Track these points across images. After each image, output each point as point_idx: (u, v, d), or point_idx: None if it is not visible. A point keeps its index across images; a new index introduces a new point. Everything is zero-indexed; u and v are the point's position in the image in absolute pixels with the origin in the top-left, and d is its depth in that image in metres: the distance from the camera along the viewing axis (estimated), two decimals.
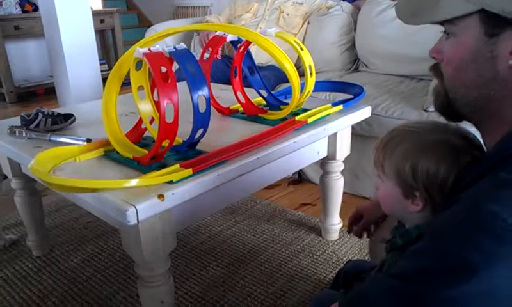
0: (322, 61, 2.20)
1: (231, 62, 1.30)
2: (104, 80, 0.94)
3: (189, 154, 0.94)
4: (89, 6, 2.76)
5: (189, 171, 0.85)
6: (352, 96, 1.34)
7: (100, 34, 4.31)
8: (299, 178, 2.01)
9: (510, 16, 0.52)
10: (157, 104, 0.90)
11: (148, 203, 0.77)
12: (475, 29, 0.55)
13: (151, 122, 0.97)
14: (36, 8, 3.73)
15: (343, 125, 1.27)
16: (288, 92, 1.44)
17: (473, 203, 0.51)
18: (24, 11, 3.80)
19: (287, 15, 2.30)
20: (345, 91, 1.45)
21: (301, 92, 1.15)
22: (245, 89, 1.27)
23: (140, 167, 0.89)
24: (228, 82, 1.54)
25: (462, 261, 0.47)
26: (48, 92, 3.89)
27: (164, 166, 0.88)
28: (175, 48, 0.88)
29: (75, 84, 2.74)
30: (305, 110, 1.22)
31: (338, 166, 1.41)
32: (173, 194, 0.81)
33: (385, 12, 2.06)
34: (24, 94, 3.89)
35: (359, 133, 1.66)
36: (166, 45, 0.89)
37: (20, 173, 1.29)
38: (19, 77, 3.93)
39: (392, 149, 0.69)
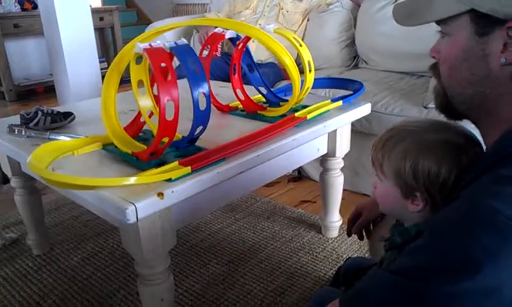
0: (321, 58, 2.19)
1: (230, 60, 1.30)
2: (104, 78, 0.94)
3: (189, 150, 0.94)
4: (88, 4, 2.75)
5: (188, 169, 0.84)
6: (352, 93, 1.34)
7: (100, 32, 4.30)
8: (299, 175, 2.01)
9: (499, 15, 0.53)
10: (156, 98, 0.90)
11: (147, 201, 0.77)
12: (467, 28, 0.57)
13: (150, 116, 0.97)
14: (35, 6, 3.72)
15: (343, 122, 1.27)
16: (288, 89, 1.44)
17: (473, 200, 0.51)
18: (23, 9, 3.79)
19: (287, 11, 2.30)
20: (345, 87, 1.44)
21: (300, 89, 1.15)
22: (244, 86, 1.26)
23: (139, 163, 0.89)
24: (227, 79, 1.54)
25: (465, 258, 0.47)
26: (48, 90, 3.89)
27: (163, 163, 0.88)
28: (175, 43, 0.88)
29: (75, 82, 2.74)
30: (305, 106, 1.22)
31: (338, 163, 1.40)
32: (172, 192, 0.81)
33: (385, 9, 2.06)
34: (24, 92, 3.88)
35: (359, 130, 1.66)
36: (166, 41, 0.89)
37: (19, 172, 1.29)
38: (19, 76, 3.93)
39: (391, 149, 0.69)
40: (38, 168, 0.82)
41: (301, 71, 1.14)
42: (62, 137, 1.08)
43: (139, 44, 0.85)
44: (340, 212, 1.49)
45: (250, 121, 1.19)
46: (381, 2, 2.09)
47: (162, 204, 0.80)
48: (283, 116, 1.16)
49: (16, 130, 1.13)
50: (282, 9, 2.30)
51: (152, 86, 0.93)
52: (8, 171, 1.31)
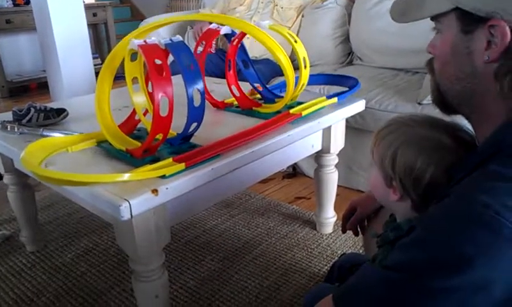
0: (316, 54, 2.19)
1: (225, 56, 1.29)
2: (97, 74, 0.94)
3: (183, 147, 0.94)
4: (81, 0, 2.73)
5: (182, 166, 0.84)
6: (347, 89, 1.34)
7: (93, 27, 4.27)
8: (294, 171, 2.01)
9: (481, 14, 0.54)
10: (151, 96, 0.89)
11: (141, 198, 0.77)
12: (454, 26, 0.58)
13: (145, 114, 0.97)
14: (27, 1, 3.68)
15: (337, 119, 1.27)
16: (283, 86, 1.44)
17: (463, 196, 0.52)
18: (15, 5, 3.76)
19: (281, 8, 2.29)
20: (340, 84, 1.44)
21: (295, 85, 1.15)
22: (239, 82, 1.26)
23: (133, 160, 0.88)
24: (222, 75, 1.54)
25: (456, 254, 0.47)
26: (41, 86, 3.86)
27: (157, 160, 0.87)
28: (170, 40, 0.87)
29: (68, 78, 2.72)
30: (300, 103, 1.22)
31: (332, 160, 1.41)
32: (166, 188, 0.80)
33: (379, 5, 2.06)
34: (16, 88, 3.85)
35: (353, 126, 1.66)
36: (161, 37, 0.88)
37: (12, 168, 1.28)
38: (11, 72, 3.89)
39: (382, 138, 0.71)
40: (31, 164, 0.81)
41: (296, 68, 1.14)
42: (55, 134, 1.07)
43: (134, 40, 0.84)
44: (335, 208, 1.50)
45: (245, 118, 1.19)
46: None
47: (156, 200, 0.80)
48: (278, 112, 1.16)
49: (8, 127, 1.12)
50: (277, 5, 2.30)
51: (146, 83, 0.93)
52: (0, 167, 1.30)
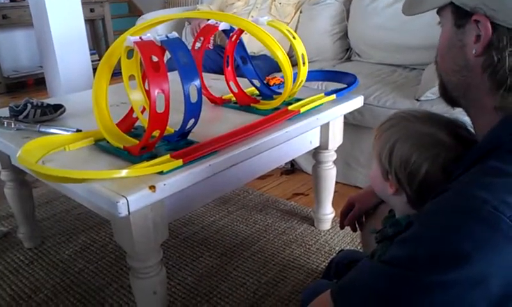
0: (314, 51, 2.18)
1: (223, 52, 1.29)
2: (95, 70, 0.93)
3: (180, 144, 0.94)
4: None
5: (180, 162, 0.84)
6: (345, 86, 1.34)
7: (90, 23, 4.25)
8: (292, 168, 2.01)
9: (467, 8, 0.56)
10: (148, 93, 0.89)
11: (139, 194, 0.77)
12: (450, 20, 0.60)
13: (142, 112, 0.96)
14: None
15: (335, 115, 1.27)
16: (281, 82, 1.43)
17: (462, 191, 0.52)
18: (12, 0, 3.73)
19: (279, 3, 2.29)
20: (339, 80, 1.44)
21: (293, 82, 1.15)
22: (238, 78, 1.26)
23: (130, 157, 0.88)
24: (220, 71, 1.53)
25: (454, 249, 0.48)
26: (38, 82, 3.84)
27: (154, 156, 0.87)
28: (166, 36, 0.87)
29: (65, 74, 2.70)
30: (298, 99, 1.22)
31: (330, 156, 1.41)
32: (164, 184, 0.80)
33: (377, 1, 2.05)
34: (14, 84, 3.83)
35: (351, 122, 1.66)
36: (157, 34, 0.88)
37: (9, 165, 1.28)
38: (8, 67, 3.87)
39: (382, 132, 0.72)
40: (28, 162, 0.81)
41: (294, 64, 1.13)
42: (52, 130, 1.07)
43: (129, 37, 0.84)
44: (333, 204, 1.50)
45: (243, 114, 1.18)
46: None
47: (154, 197, 0.79)
48: (277, 109, 1.16)
49: (5, 123, 1.11)
50: (275, 1, 2.29)
51: (143, 81, 0.92)
52: None
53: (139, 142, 0.88)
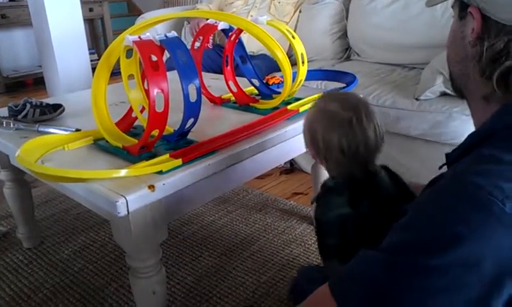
0: (313, 50, 2.18)
1: (222, 51, 1.29)
2: (94, 69, 0.93)
3: (180, 144, 0.94)
4: None
5: (179, 161, 0.84)
6: (344, 85, 1.34)
7: (89, 23, 4.25)
8: (291, 167, 2.01)
9: (465, 0, 0.59)
10: (147, 92, 0.89)
11: (138, 194, 0.77)
12: (456, 12, 0.63)
13: (141, 111, 0.96)
14: None
15: None
16: (280, 82, 1.43)
17: (457, 178, 0.54)
18: (10, 0, 3.73)
19: (279, 2, 2.28)
20: (338, 79, 1.44)
21: (293, 81, 1.15)
22: (237, 78, 1.26)
23: (129, 157, 0.88)
24: (219, 71, 1.53)
25: (449, 232, 0.49)
26: (37, 82, 3.84)
27: (154, 156, 0.87)
28: (165, 36, 0.87)
29: (64, 74, 2.70)
30: (298, 99, 1.22)
31: None
32: (163, 184, 0.80)
33: (377, 0, 2.05)
34: (13, 84, 3.83)
35: None
36: (156, 33, 0.88)
37: (8, 165, 1.27)
38: (7, 67, 3.86)
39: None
40: (26, 161, 0.81)
41: (293, 63, 1.13)
42: (51, 130, 1.07)
43: (128, 36, 0.84)
44: None
45: (242, 114, 1.18)
46: None
47: (153, 196, 0.79)
48: (276, 108, 1.16)
49: (4, 123, 1.11)
50: (274, 0, 2.29)
51: (142, 80, 0.92)
52: None
53: (138, 141, 0.88)
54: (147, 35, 0.86)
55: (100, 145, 0.95)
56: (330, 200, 0.86)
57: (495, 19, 0.56)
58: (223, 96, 1.28)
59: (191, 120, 0.91)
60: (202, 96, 0.92)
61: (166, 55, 0.90)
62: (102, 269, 1.35)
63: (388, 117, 1.55)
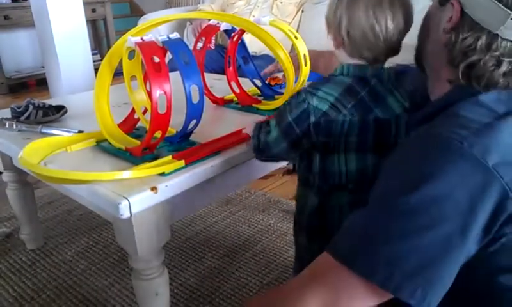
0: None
1: (224, 52, 1.28)
2: (97, 70, 0.93)
3: (182, 145, 0.93)
4: None
5: (182, 163, 0.84)
6: None
7: (92, 23, 4.25)
8: (294, 168, 2.00)
9: None
10: (149, 94, 0.89)
11: (141, 196, 0.76)
12: None
13: (144, 112, 0.96)
14: None
15: None
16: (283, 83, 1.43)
17: (420, 134, 0.62)
18: (13, 1, 3.74)
19: (281, 2, 2.28)
20: None
21: (295, 82, 1.14)
22: (239, 78, 1.25)
23: (132, 158, 0.88)
24: (221, 71, 1.53)
25: (419, 172, 0.56)
26: (40, 83, 3.85)
27: (156, 158, 0.87)
28: (168, 37, 0.87)
29: (67, 75, 2.70)
30: None
31: None
32: (166, 186, 0.80)
33: None
34: (15, 85, 3.84)
35: None
36: (159, 35, 0.88)
37: (11, 166, 1.27)
38: (10, 68, 3.87)
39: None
40: (29, 163, 0.81)
41: (296, 64, 1.13)
42: (54, 131, 1.07)
43: (130, 38, 0.83)
44: None
45: (245, 114, 1.18)
46: None
47: (156, 198, 0.79)
48: (278, 109, 1.15)
49: (7, 124, 1.11)
50: (276, 0, 2.28)
51: (145, 81, 0.92)
52: None
53: (141, 143, 0.88)
54: (150, 36, 0.86)
55: (103, 147, 0.95)
56: (320, 87, 0.78)
57: (470, 16, 0.61)
58: (225, 97, 1.28)
59: (194, 121, 0.90)
60: (204, 97, 0.92)
61: (169, 55, 0.90)
62: (105, 270, 1.35)
63: None
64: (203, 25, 1.21)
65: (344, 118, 0.75)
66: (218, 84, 1.46)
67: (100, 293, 1.25)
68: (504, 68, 0.60)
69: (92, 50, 3.05)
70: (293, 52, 1.13)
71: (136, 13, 4.82)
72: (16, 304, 1.23)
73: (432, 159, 0.56)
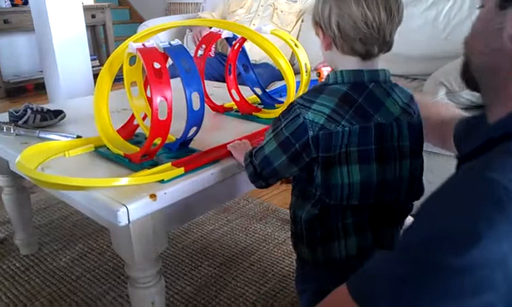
0: (316, 60, 2.16)
1: (224, 59, 1.28)
2: (96, 75, 0.93)
3: (182, 152, 0.93)
4: (80, 1, 2.72)
5: (181, 170, 0.83)
6: None
7: (92, 29, 4.26)
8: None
9: None
10: (150, 100, 0.88)
11: (139, 203, 0.75)
12: (492, 1, 0.58)
13: (144, 118, 0.95)
14: (26, 2, 3.67)
15: None
16: (283, 90, 1.43)
17: (472, 173, 0.52)
18: (13, 5, 3.74)
19: (281, 12, 2.29)
20: None
21: (296, 90, 1.14)
22: (240, 86, 1.25)
23: (131, 165, 0.87)
24: (221, 79, 1.53)
25: (468, 229, 0.47)
26: (38, 87, 3.83)
27: (155, 164, 0.86)
28: (169, 44, 0.86)
29: (66, 80, 2.70)
30: None
31: None
32: (165, 193, 0.79)
33: None
34: (14, 89, 3.82)
35: None
36: (160, 41, 0.87)
37: (7, 170, 1.26)
38: (8, 72, 3.86)
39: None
40: (26, 168, 0.80)
41: (296, 72, 1.13)
42: (52, 136, 1.06)
43: (132, 44, 0.83)
44: None
45: (245, 123, 1.18)
46: None
47: (154, 206, 0.78)
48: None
49: (4, 128, 1.10)
50: (277, 9, 2.29)
51: (145, 87, 0.92)
52: None
53: (140, 149, 0.87)
54: (151, 43, 0.86)
55: (102, 152, 0.94)
56: (314, 99, 0.73)
57: None
58: (225, 105, 1.28)
59: (194, 129, 0.90)
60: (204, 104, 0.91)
61: (169, 61, 0.90)
62: (100, 278, 1.33)
63: None
64: (203, 33, 1.21)
65: (343, 129, 0.72)
66: (218, 91, 1.46)
67: (94, 301, 1.23)
68: None
69: (91, 55, 3.05)
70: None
71: (136, 19, 4.84)
72: None
73: (487, 217, 0.47)
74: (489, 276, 0.46)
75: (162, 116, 0.82)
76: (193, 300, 1.23)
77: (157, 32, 0.98)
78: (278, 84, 1.92)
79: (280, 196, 1.84)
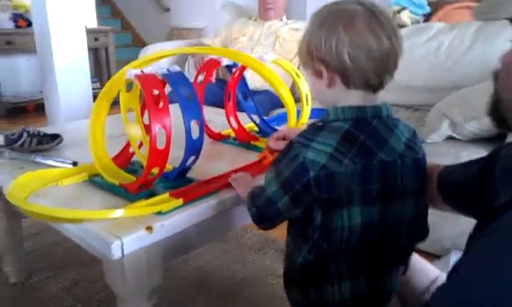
0: None
1: (224, 86, 1.27)
2: (96, 98, 0.90)
3: (179, 182, 0.89)
4: (83, 24, 2.74)
5: (180, 201, 0.80)
6: None
7: (94, 52, 4.28)
8: None
9: None
10: (146, 127, 0.86)
11: (134, 236, 0.72)
12: None
13: (140, 146, 0.93)
14: (29, 23, 3.70)
15: None
16: (281, 118, 1.41)
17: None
18: (17, 27, 3.77)
19: (283, 40, 2.30)
20: None
21: (296, 119, 1.12)
22: (238, 113, 1.23)
23: (127, 194, 0.84)
24: (221, 105, 1.51)
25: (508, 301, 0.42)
26: (38, 108, 3.83)
27: (152, 195, 0.83)
28: (168, 70, 0.85)
29: (66, 102, 2.70)
30: None
31: None
32: (162, 225, 0.76)
33: None
34: (13, 109, 3.81)
35: None
36: (159, 67, 0.86)
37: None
38: (8, 93, 3.86)
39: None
40: (17, 199, 0.77)
41: (296, 100, 1.11)
42: (48, 161, 1.03)
43: (130, 70, 0.81)
44: None
45: (242, 151, 1.15)
46: None
47: (150, 238, 0.75)
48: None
49: None
50: (279, 37, 2.30)
51: (142, 113, 0.89)
52: None
53: (137, 179, 0.84)
54: (150, 69, 0.84)
55: (96, 182, 0.91)
56: (314, 137, 0.68)
57: None
58: (222, 132, 1.25)
59: (192, 158, 0.87)
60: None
61: (168, 87, 0.88)
62: None
63: None
64: (205, 59, 1.20)
65: (345, 169, 0.66)
66: (216, 118, 1.44)
67: None
68: None
69: (92, 77, 3.06)
70: None
71: (138, 43, 4.88)
72: None
73: None
74: None
75: (160, 145, 0.79)
76: None
77: (157, 60, 0.96)
78: (278, 112, 1.91)
79: (279, 227, 1.80)
